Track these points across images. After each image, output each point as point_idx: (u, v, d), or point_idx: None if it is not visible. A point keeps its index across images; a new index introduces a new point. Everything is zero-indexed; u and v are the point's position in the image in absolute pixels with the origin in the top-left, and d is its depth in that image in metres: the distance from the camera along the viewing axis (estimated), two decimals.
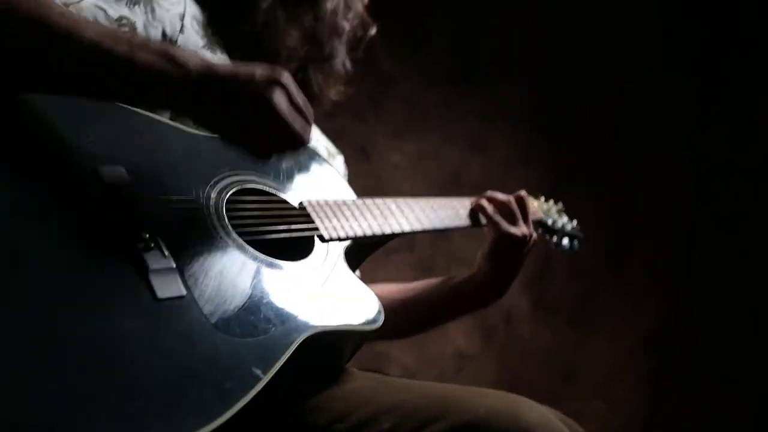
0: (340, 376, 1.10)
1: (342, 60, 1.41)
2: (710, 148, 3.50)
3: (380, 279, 2.93)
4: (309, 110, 0.99)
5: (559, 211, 1.73)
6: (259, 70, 0.95)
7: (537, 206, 1.65)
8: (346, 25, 1.37)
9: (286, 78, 0.96)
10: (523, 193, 1.45)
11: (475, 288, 1.45)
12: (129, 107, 1.03)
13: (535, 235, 1.46)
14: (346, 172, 1.59)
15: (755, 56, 3.40)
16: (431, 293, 1.49)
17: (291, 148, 0.99)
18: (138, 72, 0.90)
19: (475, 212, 1.45)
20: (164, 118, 1.10)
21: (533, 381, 3.31)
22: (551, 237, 1.70)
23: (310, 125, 0.99)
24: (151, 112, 1.02)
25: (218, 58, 1.24)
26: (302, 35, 1.29)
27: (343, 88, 1.47)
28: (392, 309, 1.22)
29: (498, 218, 1.40)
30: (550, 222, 1.67)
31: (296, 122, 0.96)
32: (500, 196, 1.44)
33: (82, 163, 0.94)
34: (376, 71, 3.05)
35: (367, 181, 3.11)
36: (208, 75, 0.92)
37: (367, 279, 1.41)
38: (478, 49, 3.28)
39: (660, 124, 3.49)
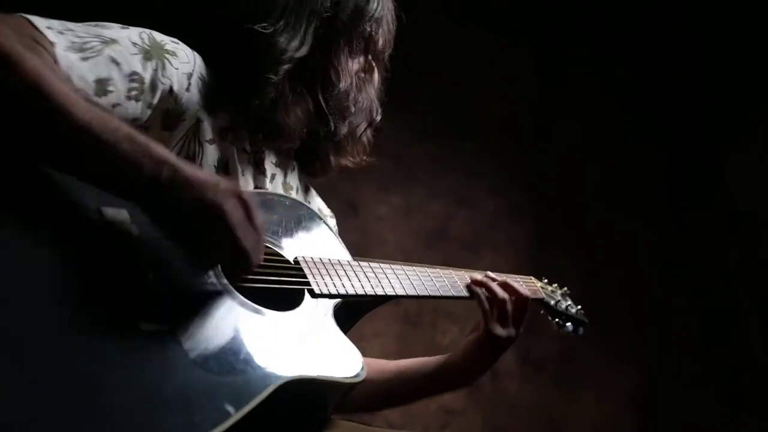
0: (320, 426, 1.12)
1: (353, 133, 1.41)
2: (680, 208, 3.57)
3: (367, 331, 2.93)
4: (262, 230, 1.02)
5: (563, 294, 1.73)
6: (223, 183, 0.98)
7: (539, 287, 1.65)
8: (353, 107, 1.36)
9: (247, 195, 1.00)
10: (524, 294, 1.43)
11: (456, 373, 1.46)
12: None
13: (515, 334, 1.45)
14: (337, 232, 1.59)
15: (724, 118, 3.50)
16: (408, 372, 1.49)
17: (239, 263, 1.00)
18: (115, 161, 0.93)
19: (471, 292, 1.44)
20: None
21: None
22: (553, 318, 1.69)
23: (260, 245, 1.01)
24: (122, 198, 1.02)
25: (220, 119, 1.25)
26: (306, 115, 1.30)
27: (363, 157, 1.49)
28: (372, 384, 1.25)
29: (489, 317, 1.40)
30: (552, 303, 1.65)
31: (247, 238, 0.98)
32: (500, 293, 1.41)
33: (86, 202, 0.97)
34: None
35: (355, 235, 3.12)
36: (176, 176, 0.95)
37: (354, 331, 1.41)
38: (464, 106, 3.34)
39: (631, 187, 3.56)
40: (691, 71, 3.58)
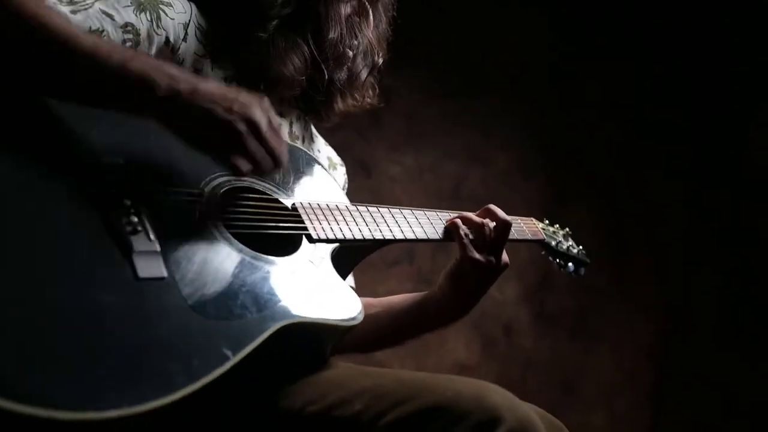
0: (318, 368, 1.14)
1: (353, 78, 1.42)
2: (704, 164, 3.53)
3: (380, 290, 2.96)
4: (282, 137, 1.07)
5: (565, 235, 1.72)
6: (243, 94, 1.03)
7: (540, 228, 1.64)
8: (350, 52, 1.36)
9: (266, 103, 1.05)
10: (505, 218, 1.37)
11: (435, 307, 1.42)
12: None
13: (506, 262, 1.39)
14: (346, 182, 1.61)
15: (748, 75, 3.43)
16: (393, 309, 1.47)
17: (270, 164, 1.06)
18: (129, 80, 0.96)
19: (448, 229, 1.39)
20: None
21: (533, 393, 3.31)
22: (555, 259, 1.69)
23: (285, 147, 1.07)
24: (138, 117, 1.06)
25: (219, 67, 1.28)
26: (303, 63, 1.31)
27: (367, 100, 1.49)
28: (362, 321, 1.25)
29: (466, 241, 1.35)
30: (553, 243, 1.63)
31: (275, 140, 1.04)
32: (475, 218, 1.37)
33: (87, 151, 1.00)
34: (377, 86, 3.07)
35: (367, 195, 3.12)
36: (195, 92, 0.99)
37: (367, 291, 1.42)
38: (477, 64, 3.32)
39: (655, 139, 3.52)
40: (717, 28, 3.51)
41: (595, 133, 3.46)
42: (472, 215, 1.38)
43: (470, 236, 1.35)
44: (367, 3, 1.40)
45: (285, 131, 1.42)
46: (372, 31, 1.43)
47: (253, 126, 1.01)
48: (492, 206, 1.39)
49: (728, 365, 3.29)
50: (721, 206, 3.46)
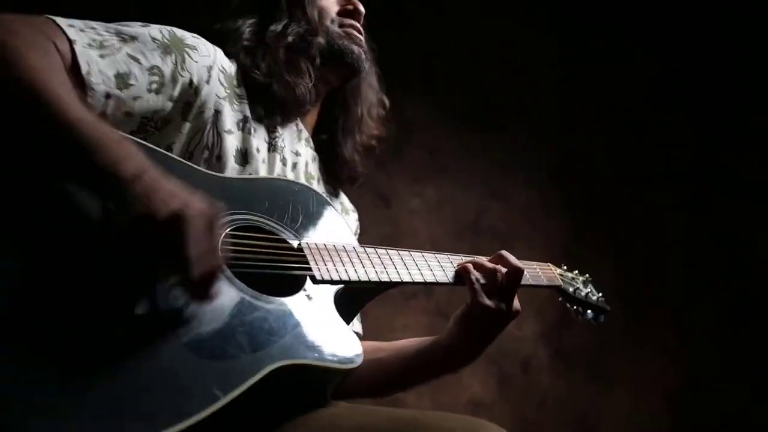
0: (317, 406, 1.13)
1: (364, 116, 1.49)
2: (714, 207, 3.50)
3: (397, 323, 2.95)
4: (217, 256, 0.96)
5: (584, 282, 1.68)
6: (197, 199, 0.94)
7: (557, 274, 1.61)
8: (347, 43, 1.42)
9: (214, 211, 0.96)
10: (517, 265, 1.35)
11: (443, 352, 1.39)
12: (158, 149, 1.12)
13: (517, 309, 1.36)
14: (358, 228, 1.62)
15: (747, 82, 3.43)
16: (402, 353, 1.44)
17: (180, 271, 0.93)
18: (102, 160, 0.91)
19: (459, 273, 1.36)
20: (189, 162, 1.18)
21: None
22: (572, 306, 1.65)
23: (210, 260, 0.94)
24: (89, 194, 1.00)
25: (238, 109, 1.31)
26: (307, 67, 1.37)
27: (375, 134, 1.54)
28: (370, 364, 1.24)
29: (477, 286, 1.32)
30: (570, 290, 1.59)
31: (198, 249, 0.92)
32: (487, 264, 1.35)
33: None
34: (399, 121, 3.09)
35: (386, 227, 3.14)
36: (152, 183, 0.92)
37: (384, 324, 1.41)
38: (500, 99, 3.33)
39: (675, 183, 3.51)
40: (721, 56, 3.51)
41: (612, 171, 3.46)
42: (483, 260, 1.37)
43: (481, 281, 1.33)
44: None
45: (301, 170, 1.44)
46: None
47: (207, 222, 0.94)
48: (504, 252, 1.37)
49: (747, 412, 3.22)
50: (731, 247, 3.42)
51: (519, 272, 1.34)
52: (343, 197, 1.61)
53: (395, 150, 3.18)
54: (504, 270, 1.34)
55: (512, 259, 1.36)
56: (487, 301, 1.32)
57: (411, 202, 3.22)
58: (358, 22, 1.46)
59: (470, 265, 1.34)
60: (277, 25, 1.38)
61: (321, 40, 1.40)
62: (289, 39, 1.37)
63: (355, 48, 1.43)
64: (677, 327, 3.44)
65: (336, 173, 1.53)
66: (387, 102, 1.59)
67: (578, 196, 3.41)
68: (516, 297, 1.36)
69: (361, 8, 1.47)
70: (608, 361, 3.39)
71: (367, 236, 3.03)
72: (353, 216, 1.62)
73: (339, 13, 1.45)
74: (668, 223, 3.48)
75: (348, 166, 1.52)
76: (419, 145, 3.24)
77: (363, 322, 1.52)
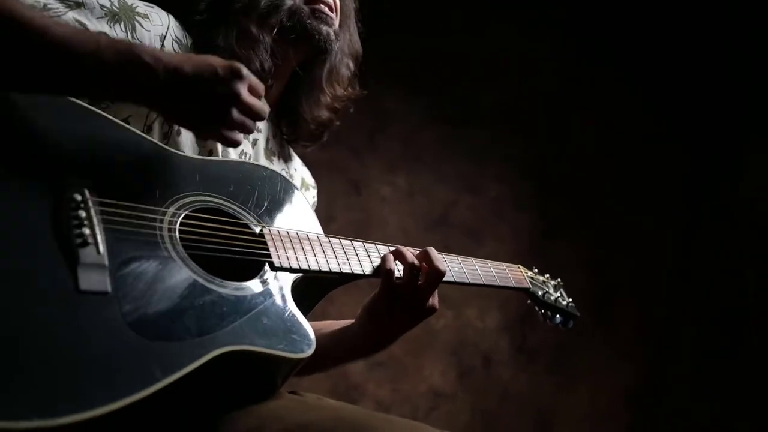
0: (267, 397, 1.12)
1: (335, 68, 1.45)
2: (694, 204, 3.55)
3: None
4: (262, 89, 1.08)
5: (555, 286, 1.67)
6: (220, 67, 1.03)
7: (527, 276, 1.59)
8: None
9: (245, 70, 1.05)
10: (439, 267, 1.27)
11: (351, 340, 1.36)
12: (114, 120, 1.09)
13: (432, 306, 1.30)
14: (315, 204, 1.60)
15: (744, 119, 3.46)
16: (320, 334, 1.38)
17: (252, 123, 1.07)
18: (104, 70, 0.97)
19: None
20: (148, 136, 1.16)
21: (508, 426, 3.30)
22: (540, 309, 1.63)
23: (266, 105, 1.08)
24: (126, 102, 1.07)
25: None
26: (259, 37, 1.31)
27: (347, 96, 1.49)
28: None
29: (388, 278, 1.26)
30: (540, 293, 1.57)
31: (256, 105, 1.06)
32: (409, 257, 1.27)
33: (50, 156, 1.00)
34: (376, 109, 3.09)
35: (356, 214, 3.14)
36: (176, 74, 1.00)
37: (340, 313, 1.39)
38: (476, 94, 3.34)
39: (647, 184, 3.54)
40: (713, 69, 3.52)
41: (586, 170, 3.47)
42: (407, 252, 1.29)
43: (397, 274, 1.26)
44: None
45: (261, 146, 1.42)
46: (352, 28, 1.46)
47: (235, 97, 1.03)
48: (431, 249, 1.30)
49: (706, 414, 3.28)
50: (708, 251, 3.46)
51: (439, 273, 1.27)
52: (306, 172, 1.58)
53: (369, 139, 3.18)
54: (425, 268, 1.28)
55: (436, 258, 1.29)
56: (395, 295, 1.27)
57: (382, 190, 3.22)
58: None
59: (390, 256, 1.29)
60: None
61: (284, 17, 1.33)
62: (259, 11, 1.32)
63: (324, 28, 1.36)
64: (639, 326, 3.48)
65: (296, 131, 1.48)
66: (361, 53, 1.52)
67: (552, 195, 3.42)
68: (436, 294, 1.31)
69: None
70: (570, 357, 3.42)
71: (337, 222, 3.07)
72: (312, 192, 1.60)
73: None
74: (640, 225, 3.51)
75: (308, 121, 1.46)
76: (393, 135, 3.24)
77: (328, 308, 1.51)
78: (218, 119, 1.04)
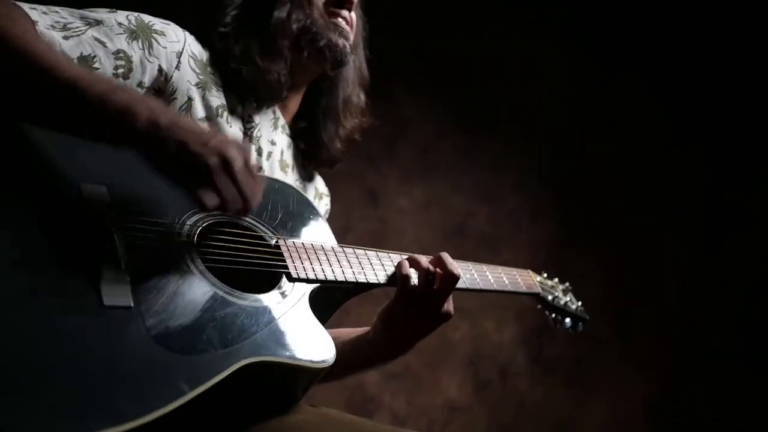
0: (288, 408, 1.13)
1: (349, 99, 1.47)
2: (713, 216, 3.51)
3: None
4: (259, 177, 1.07)
5: (564, 290, 1.68)
6: (221, 134, 1.04)
7: (536, 281, 1.60)
8: (329, 32, 1.38)
9: (245, 145, 1.06)
10: (453, 270, 1.29)
11: (367, 347, 1.37)
12: None
13: (447, 312, 1.31)
14: (328, 213, 1.61)
15: (761, 129, 3.43)
16: (339, 343, 1.38)
17: (236, 205, 1.03)
18: (110, 111, 0.97)
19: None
20: None
21: None
22: (551, 314, 1.64)
23: (260, 188, 1.06)
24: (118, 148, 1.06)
25: (214, 96, 1.30)
26: (281, 52, 1.33)
27: (356, 122, 1.51)
28: None
29: (405, 284, 1.28)
30: (550, 298, 1.60)
31: (248, 183, 1.03)
32: (423, 263, 1.29)
33: (66, 178, 1.01)
34: (393, 118, 3.08)
35: (373, 224, 3.13)
36: (174, 125, 0.99)
37: (366, 323, 1.39)
38: (495, 102, 3.32)
39: (665, 194, 3.50)
40: (731, 77, 3.49)
41: (605, 181, 3.45)
42: (421, 258, 1.31)
43: (413, 280, 1.28)
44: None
45: (276, 158, 1.43)
46: (355, 59, 1.46)
47: (226, 163, 1.00)
48: (444, 255, 1.32)
49: (725, 427, 3.24)
50: (728, 263, 3.42)
51: (453, 278, 1.29)
52: (319, 181, 1.59)
53: (387, 147, 3.17)
54: (440, 273, 1.29)
55: (450, 263, 1.30)
56: (412, 301, 1.28)
57: (399, 200, 3.21)
58: (348, 11, 1.40)
59: (406, 262, 1.31)
60: (281, 11, 1.33)
61: (304, 27, 1.35)
62: (289, 28, 1.33)
63: (341, 41, 1.37)
64: (658, 338, 3.44)
65: (314, 155, 1.50)
66: (368, 81, 1.54)
67: (570, 204, 3.40)
68: (450, 300, 1.32)
69: None
70: (587, 369, 3.39)
71: (354, 233, 3.05)
72: (325, 200, 1.61)
73: (326, 2, 1.39)
74: (659, 235, 3.47)
75: (327, 149, 1.48)
76: (411, 144, 3.23)
77: (344, 319, 1.51)
78: (202, 178, 1.01)
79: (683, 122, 3.53)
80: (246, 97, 1.35)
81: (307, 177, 1.54)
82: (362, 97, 1.52)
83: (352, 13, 1.42)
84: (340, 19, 1.39)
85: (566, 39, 3.43)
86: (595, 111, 3.47)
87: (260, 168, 1.39)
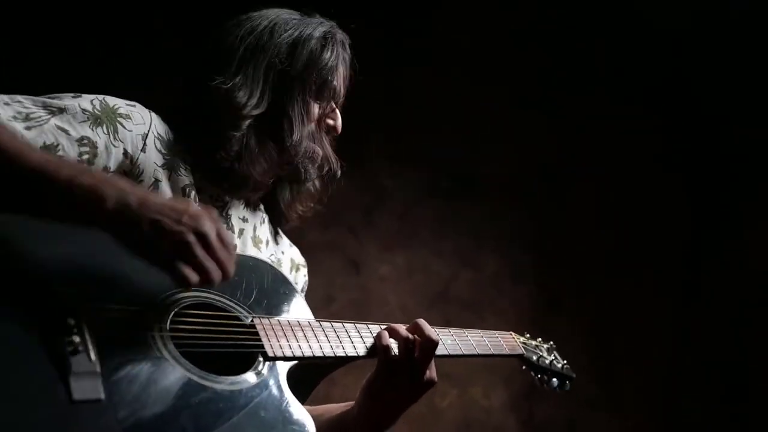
0: None
1: (312, 180, 1.47)
2: (695, 277, 3.54)
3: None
4: (233, 246, 1.08)
5: (549, 349, 1.68)
6: (192, 206, 1.05)
7: (519, 342, 1.60)
8: (319, 151, 1.40)
9: (215, 215, 1.07)
10: (431, 336, 1.29)
11: (353, 421, 1.35)
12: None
13: (430, 379, 1.30)
14: (306, 284, 1.61)
15: (746, 190, 3.47)
16: (323, 419, 1.39)
17: (216, 277, 1.05)
18: (78, 194, 0.98)
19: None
20: None
21: None
22: (536, 374, 1.64)
23: (233, 260, 1.07)
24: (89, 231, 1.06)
25: (182, 175, 1.30)
26: (269, 165, 1.35)
27: (311, 205, 1.52)
28: None
29: (386, 355, 1.28)
30: (534, 358, 1.59)
31: (222, 255, 1.05)
32: (402, 331, 1.30)
33: (35, 264, 1.00)
34: (372, 186, 3.12)
35: (355, 293, 3.12)
36: (144, 204, 1.01)
37: (352, 394, 1.38)
38: (471, 168, 3.37)
39: (646, 253, 3.53)
40: (711, 137, 3.55)
41: (584, 242, 3.47)
42: (399, 327, 1.32)
43: (393, 350, 1.28)
44: (336, 107, 1.44)
45: (248, 236, 1.43)
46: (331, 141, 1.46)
47: (201, 237, 1.02)
48: (421, 321, 1.32)
49: None
50: (711, 322, 3.43)
51: (432, 343, 1.29)
52: (295, 252, 1.58)
53: (366, 216, 3.19)
54: (418, 340, 1.29)
55: (427, 329, 1.30)
56: (394, 371, 1.28)
57: (381, 269, 3.21)
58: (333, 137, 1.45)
59: (385, 333, 1.31)
60: (298, 133, 1.35)
61: (294, 147, 1.36)
62: (295, 136, 1.34)
63: (313, 172, 1.40)
64: (644, 396, 3.42)
65: (280, 222, 1.52)
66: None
67: (551, 268, 3.41)
68: (433, 367, 1.32)
69: (339, 128, 1.44)
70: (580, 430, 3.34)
71: (337, 303, 3.04)
72: (303, 271, 1.59)
73: (318, 122, 1.40)
74: (644, 297, 3.48)
75: (290, 219, 1.50)
76: (390, 212, 3.26)
77: (330, 389, 1.49)
78: (180, 255, 1.02)
79: (661, 179, 3.58)
80: (219, 183, 1.35)
81: (281, 250, 1.54)
82: (318, 185, 1.51)
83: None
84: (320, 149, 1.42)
85: (542, 102, 3.49)
86: (573, 173, 3.53)
87: (235, 246, 1.39)
